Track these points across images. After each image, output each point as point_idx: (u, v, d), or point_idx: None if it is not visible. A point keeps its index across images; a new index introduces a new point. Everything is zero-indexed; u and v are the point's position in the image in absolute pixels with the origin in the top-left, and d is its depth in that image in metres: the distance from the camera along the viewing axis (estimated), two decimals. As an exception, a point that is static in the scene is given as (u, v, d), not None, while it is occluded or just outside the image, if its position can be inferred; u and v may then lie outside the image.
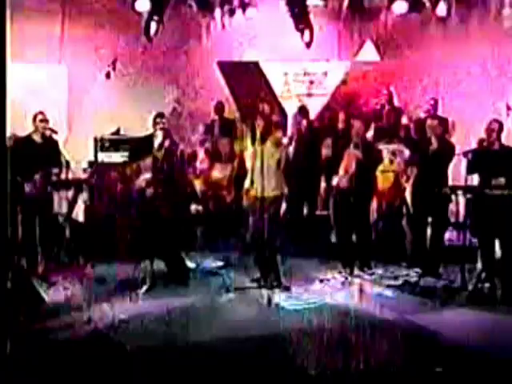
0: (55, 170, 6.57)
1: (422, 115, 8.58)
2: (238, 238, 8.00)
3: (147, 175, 7.16)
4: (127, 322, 5.24)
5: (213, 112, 9.31)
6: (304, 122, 8.78)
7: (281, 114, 9.40)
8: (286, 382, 4.18)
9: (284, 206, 6.39)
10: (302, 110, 9.04)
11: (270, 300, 5.76)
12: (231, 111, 9.75)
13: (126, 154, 7.94)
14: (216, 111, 9.31)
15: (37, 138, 6.67)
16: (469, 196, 6.29)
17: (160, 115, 6.60)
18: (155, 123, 6.52)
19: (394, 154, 7.63)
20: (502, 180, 5.78)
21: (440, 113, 8.39)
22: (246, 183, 6.31)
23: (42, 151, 6.64)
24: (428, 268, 6.52)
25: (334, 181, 6.69)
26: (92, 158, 8.08)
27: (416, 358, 4.52)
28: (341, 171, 6.64)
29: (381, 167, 7.28)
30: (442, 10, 8.98)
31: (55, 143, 6.83)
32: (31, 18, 8.72)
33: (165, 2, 8.93)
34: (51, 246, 6.64)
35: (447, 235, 6.92)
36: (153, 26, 8.91)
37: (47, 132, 6.69)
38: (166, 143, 6.43)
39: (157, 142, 6.44)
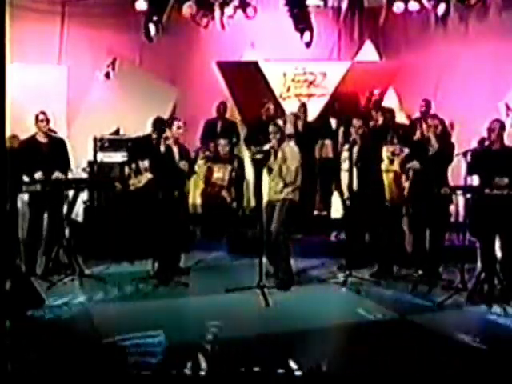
0: (63, 169, 6.58)
1: (418, 115, 8.61)
2: (239, 238, 8.03)
3: (146, 175, 7.20)
4: (127, 322, 5.23)
5: (215, 112, 9.32)
6: (301, 122, 8.78)
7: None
8: (286, 382, 4.18)
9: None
10: (303, 108, 9.06)
11: (268, 300, 5.76)
12: (231, 112, 9.75)
13: (126, 153, 7.95)
14: (218, 111, 9.31)
15: (41, 138, 6.68)
16: (469, 196, 6.29)
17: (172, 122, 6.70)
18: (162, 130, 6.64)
19: (393, 153, 7.62)
20: (506, 180, 5.77)
21: (440, 113, 8.37)
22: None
23: (46, 151, 6.65)
24: (428, 268, 6.53)
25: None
26: (91, 158, 8.09)
27: (416, 357, 4.52)
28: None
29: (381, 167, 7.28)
30: (441, 9, 8.97)
31: (62, 142, 6.85)
32: (31, 18, 8.71)
33: (164, 2, 8.93)
34: (51, 246, 6.64)
35: (447, 235, 6.92)
36: (153, 26, 8.91)
37: (50, 131, 6.71)
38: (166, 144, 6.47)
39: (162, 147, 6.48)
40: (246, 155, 9.06)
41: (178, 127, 6.54)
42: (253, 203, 8.73)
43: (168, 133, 6.49)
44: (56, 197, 6.56)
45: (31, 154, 6.55)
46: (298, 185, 6.33)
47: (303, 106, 9.15)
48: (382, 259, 6.77)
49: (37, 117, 6.67)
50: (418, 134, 6.59)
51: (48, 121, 6.68)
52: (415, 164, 6.43)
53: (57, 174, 6.53)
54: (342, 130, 8.10)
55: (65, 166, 6.70)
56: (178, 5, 8.98)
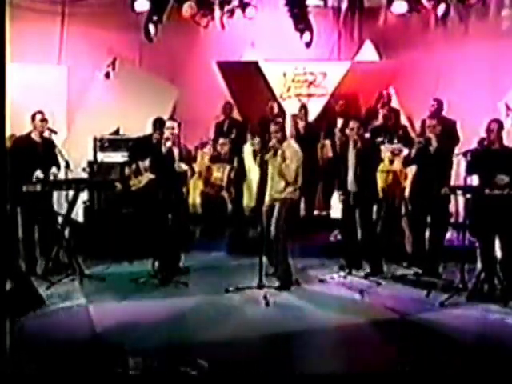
0: (54, 170, 6.58)
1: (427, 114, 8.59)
2: (239, 238, 8.03)
3: (147, 175, 7.19)
4: (127, 322, 5.23)
5: (221, 112, 9.32)
6: (302, 123, 8.79)
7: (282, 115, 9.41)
8: (286, 382, 4.18)
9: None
10: (303, 109, 9.06)
11: (268, 300, 5.76)
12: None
13: (126, 153, 7.95)
14: (224, 112, 9.31)
15: (36, 137, 6.69)
16: (468, 196, 6.29)
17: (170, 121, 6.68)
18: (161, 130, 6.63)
19: (393, 153, 7.63)
20: (506, 178, 5.76)
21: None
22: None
23: (40, 150, 6.67)
24: (428, 268, 6.53)
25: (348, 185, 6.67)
26: (91, 158, 8.08)
27: (416, 358, 4.52)
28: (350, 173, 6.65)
29: (381, 167, 7.29)
30: (441, 9, 8.97)
31: (52, 143, 6.85)
32: (31, 18, 8.72)
33: (164, 2, 8.93)
34: (51, 246, 6.64)
35: (447, 235, 6.92)
36: (152, 26, 8.91)
37: (46, 132, 6.71)
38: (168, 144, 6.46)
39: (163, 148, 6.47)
40: (247, 154, 9.07)
41: (172, 128, 6.53)
42: (253, 203, 8.73)
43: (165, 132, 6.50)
44: (47, 196, 6.56)
45: (26, 152, 6.56)
46: (298, 184, 6.32)
47: (304, 107, 9.15)
48: (373, 259, 6.76)
49: (33, 116, 6.68)
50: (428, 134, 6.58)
51: (46, 120, 6.69)
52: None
53: (54, 171, 6.53)
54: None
55: (56, 167, 6.68)
56: (177, 5, 8.98)
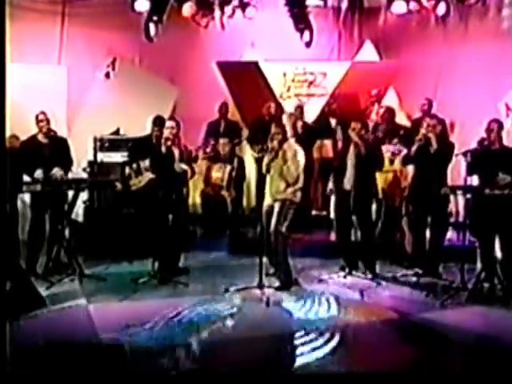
0: (64, 168, 6.58)
1: (419, 114, 8.63)
2: (239, 238, 8.04)
3: (147, 175, 7.19)
4: (127, 322, 5.23)
5: (217, 113, 9.33)
6: (300, 122, 8.79)
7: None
8: (286, 382, 4.18)
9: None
10: (299, 109, 9.07)
11: (268, 300, 5.76)
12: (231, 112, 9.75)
13: (126, 153, 7.94)
14: (220, 112, 9.32)
15: (42, 138, 6.68)
16: (468, 196, 6.29)
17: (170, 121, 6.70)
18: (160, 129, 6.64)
19: (393, 154, 7.63)
20: (508, 178, 5.76)
21: (440, 113, 8.38)
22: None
23: (49, 151, 6.65)
24: (428, 268, 6.53)
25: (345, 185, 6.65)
26: (91, 158, 8.08)
27: (416, 358, 4.52)
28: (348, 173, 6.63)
29: (381, 167, 7.28)
30: (441, 9, 8.96)
31: (64, 141, 6.85)
32: (31, 18, 8.72)
33: (164, 2, 8.93)
34: (52, 246, 6.64)
35: (447, 235, 6.91)
36: (153, 26, 8.90)
37: (50, 132, 6.71)
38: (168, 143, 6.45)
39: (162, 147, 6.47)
40: (247, 155, 9.07)
41: (172, 127, 6.52)
42: (253, 203, 8.73)
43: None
44: (58, 197, 6.56)
45: (32, 154, 6.56)
46: (300, 185, 6.30)
47: (299, 107, 9.15)
48: (367, 259, 6.75)
49: (37, 117, 6.67)
50: (420, 134, 6.56)
51: (48, 121, 6.69)
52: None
53: (55, 170, 6.51)
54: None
55: (66, 166, 6.69)
56: (177, 5, 8.97)
